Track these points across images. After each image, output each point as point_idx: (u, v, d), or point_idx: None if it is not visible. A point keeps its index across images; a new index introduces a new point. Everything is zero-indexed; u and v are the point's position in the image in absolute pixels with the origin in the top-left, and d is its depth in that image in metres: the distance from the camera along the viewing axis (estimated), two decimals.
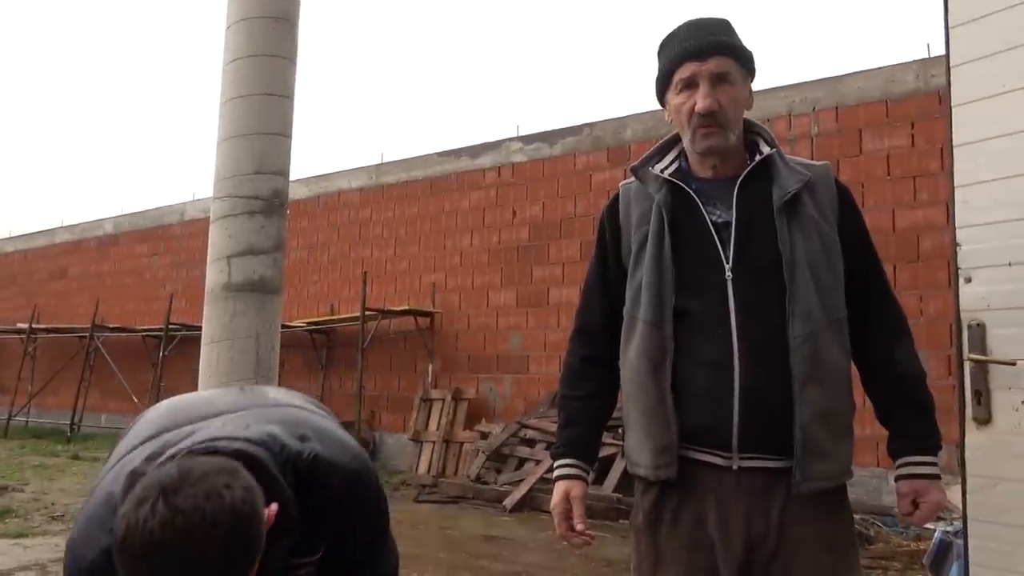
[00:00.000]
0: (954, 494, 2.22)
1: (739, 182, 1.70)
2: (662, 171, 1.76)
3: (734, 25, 1.75)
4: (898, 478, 1.72)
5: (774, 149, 1.72)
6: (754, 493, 1.61)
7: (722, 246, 1.67)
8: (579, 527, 1.75)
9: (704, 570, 1.62)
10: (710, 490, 1.63)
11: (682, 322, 1.66)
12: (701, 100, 1.66)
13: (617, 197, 1.85)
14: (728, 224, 1.68)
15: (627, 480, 6.92)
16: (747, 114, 1.77)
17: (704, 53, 1.67)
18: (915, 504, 1.69)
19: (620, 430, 7.88)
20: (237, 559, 1.21)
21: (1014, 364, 1.94)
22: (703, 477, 1.64)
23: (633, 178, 1.82)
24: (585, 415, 1.83)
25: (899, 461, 1.72)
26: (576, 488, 1.77)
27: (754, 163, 1.71)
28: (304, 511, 1.42)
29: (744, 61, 1.71)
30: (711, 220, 1.69)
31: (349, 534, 1.54)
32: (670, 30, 1.75)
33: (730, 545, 1.60)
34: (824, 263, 1.65)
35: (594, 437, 1.85)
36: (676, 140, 1.81)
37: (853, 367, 1.73)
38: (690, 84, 1.69)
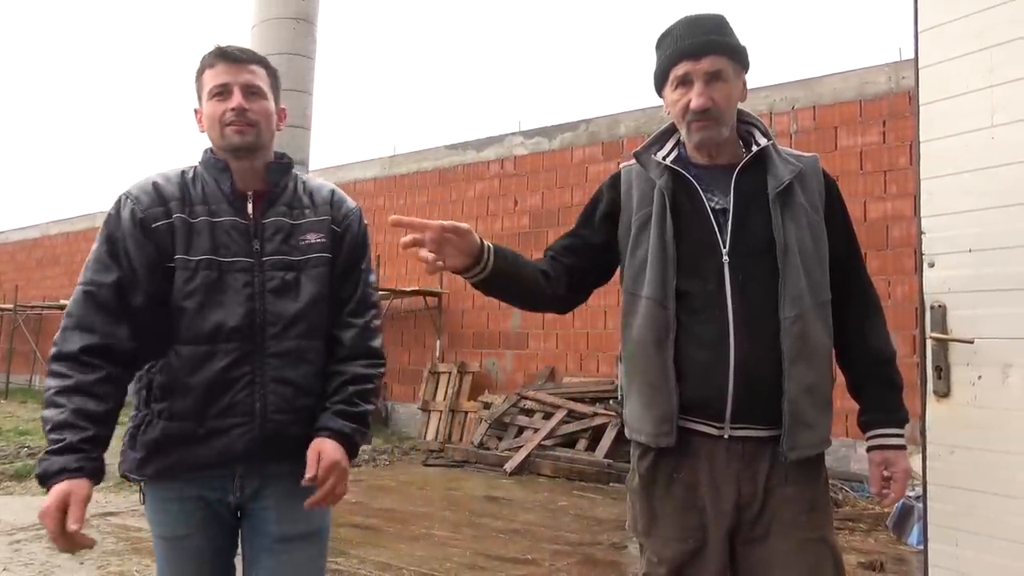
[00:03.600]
0: (915, 462, 2.23)
1: (736, 171, 1.67)
2: (663, 158, 1.73)
3: (728, 20, 1.69)
4: (870, 448, 1.71)
5: (770, 141, 1.69)
6: (743, 459, 1.61)
7: (719, 231, 1.64)
8: None
9: (695, 529, 1.63)
10: (702, 457, 1.63)
11: (682, 302, 1.63)
12: (696, 98, 1.63)
13: (619, 175, 1.81)
14: (726, 211, 1.65)
15: (617, 447, 6.96)
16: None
17: (699, 52, 1.63)
18: (886, 478, 1.68)
19: (611, 401, 7.91)
20: (267, 63, 1.79)
21: (972, 342, 1.95)
22: (696, 445, 1.63)
23: (634, 161, 1.78)
24: (527, 271, 1.74)
25: (870, 433, 1.71)
26: None
27: (751, 154, 1.68)
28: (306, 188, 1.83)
29: (737, 57, 1.67)
30: (710, 206, 1.67)
31: (342, 229, 1.78)
32: (667, 26, 1.71)
33: (720, 507, 1.61)
34: (812, 250, 1.64)
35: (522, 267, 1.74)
36: (675, 128, 1.77)
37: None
38: (685, 81, 1.65)
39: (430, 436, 8.90)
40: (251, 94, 1.69)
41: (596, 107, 26.83)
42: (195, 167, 1.74)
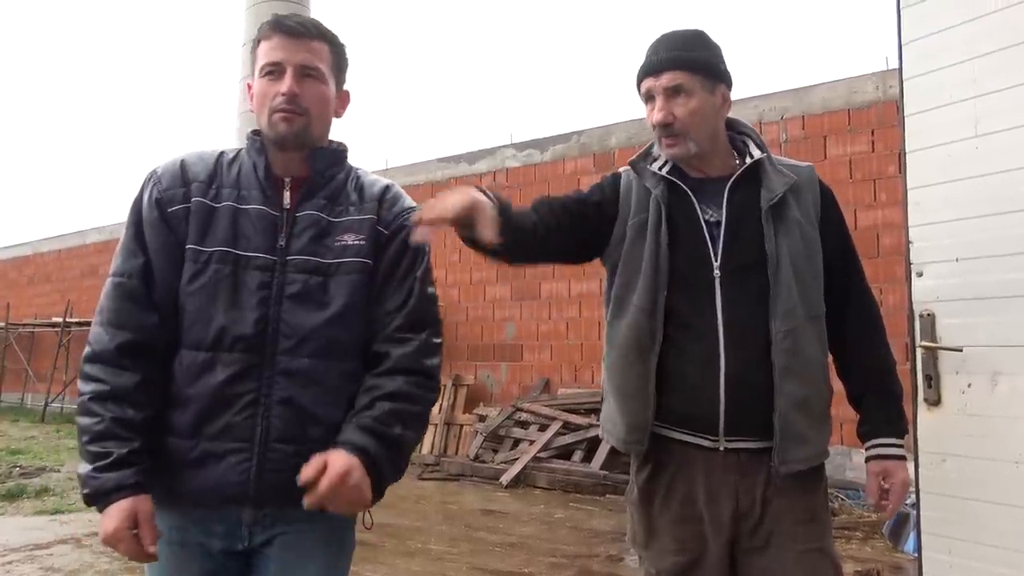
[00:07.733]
0: (908, 471, 2.25)
1: (729, 184, 1.68)
2: (659, 168, 1.73)
3: (706, 35, 1.70)
4: (868, 459, 1.71)
5: (764, 153, 1.71)
6: (740, 470, 1.62)
7: (712, 244, 1.65)
8: None
9: (693, 540, 1.64)
10: (699, 470, 1.64)
11: (672, 315, 1.64)
12: (656, 113, 1.66)
13: (619, 176, 1.81)
14: (719, 223, 1.66)
15: (613, 458, 6.95)
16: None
17: (658, 69, 1.66)
18: (884, 489, 1.68)
19: None
20: (333, 38, 1.52)
21: (960, 351, 1.96)
22: (692, 458, 1.64)
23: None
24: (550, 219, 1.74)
25: (868, 443, 1.71)
26: None
27: (744, 167, 1.69)
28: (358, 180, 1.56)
29: (703, 71, 1.66)
30: (704, 219, 1.67)
31: (390, 232, 1.53)
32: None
33: (719, 518, 1.61)
34: (806, 263, 1.64)
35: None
36: None
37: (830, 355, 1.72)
38: (650, 97, 1.69)
39: (425, 449, 8.87)
40: (306, 75, 1.43)
41: (588, 119, 26.98)
42: (240, 149, 1.51)
